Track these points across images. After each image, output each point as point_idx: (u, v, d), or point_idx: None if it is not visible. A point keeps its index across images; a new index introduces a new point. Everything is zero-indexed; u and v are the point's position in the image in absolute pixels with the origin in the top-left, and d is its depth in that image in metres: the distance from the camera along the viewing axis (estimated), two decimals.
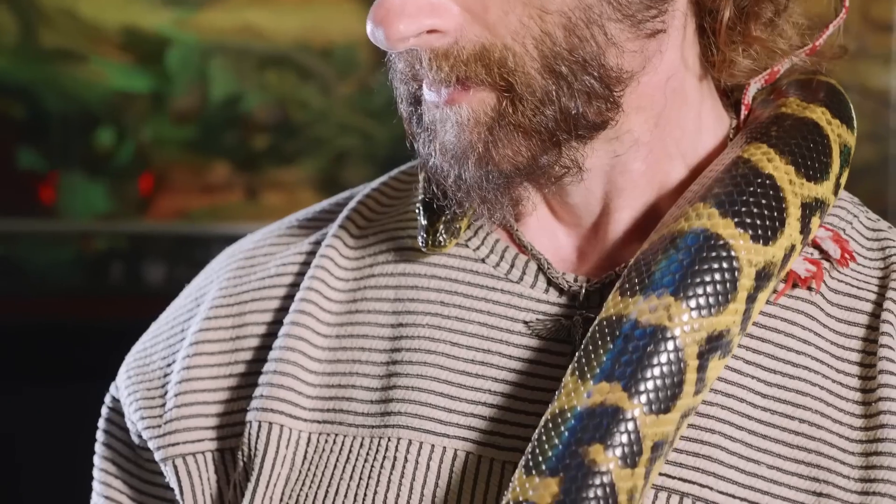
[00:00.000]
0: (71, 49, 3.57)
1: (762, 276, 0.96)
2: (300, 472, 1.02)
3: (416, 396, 1.01)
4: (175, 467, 1.07)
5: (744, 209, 0.95)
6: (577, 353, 0.95)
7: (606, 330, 0.94)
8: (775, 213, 0.96)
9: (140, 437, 1.11)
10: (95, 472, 1.14)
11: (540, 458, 0.91)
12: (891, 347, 0.99)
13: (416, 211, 1.05)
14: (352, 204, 1.12)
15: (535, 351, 1.01)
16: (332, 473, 1.01)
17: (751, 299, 0.96)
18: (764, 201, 0.96)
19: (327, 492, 1.01)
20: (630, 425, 0.91)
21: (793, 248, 0.98)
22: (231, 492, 1.05)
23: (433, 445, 1.00)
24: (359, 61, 3.55)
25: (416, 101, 1.00)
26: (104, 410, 1.15)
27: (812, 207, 0.99)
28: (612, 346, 0.93)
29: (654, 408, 0.92)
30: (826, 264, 1.01)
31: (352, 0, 3.54)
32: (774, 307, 1.00)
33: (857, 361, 0.99)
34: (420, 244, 1.03)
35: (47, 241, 3.58)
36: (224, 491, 1.06)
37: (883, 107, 3.00)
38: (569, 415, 0.92)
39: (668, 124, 1.02)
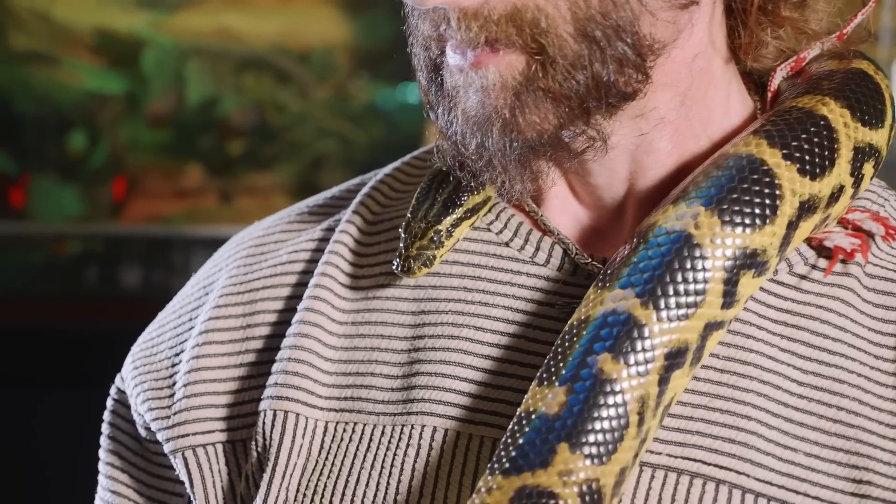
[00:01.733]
0: (43, 51, 3.53)
1: (805, 207, 0.95)
2: (317, 461, 0.99)
3: (440, 383, 0.99)
4: (185, 459, 1.04)
5: (794, 143, 0.95)
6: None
7: (636, 240, 0.94)
8: (826, 152, 0.96)
9: (148, 428, 1.08)
10: (101, 466, 1.11)
11: (553, 370, 0.91)
12: None
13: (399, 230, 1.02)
14: (365, 189, 1.09)
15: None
16: (352, 462, 0.99)
17: (791, 226, 0.95)
18: (816, 139, 0.96)
19: (347, 481, 0.98)
20: (639, 332, 0.90)
21: (841, 189, 0.97)
22: (243, 484, 1.02)
23: (458, 433, 0.97)
24: (337, 65, 3.52)
25: (437, 67, 0.97)
26: (109, 402, 1.12)
27: (865, 153, 0.98)
28: (635, 255, 0.93)
29: (669, 314, 0.91)
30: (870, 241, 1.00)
31: (329, 4, 3.52)
32: (810, 294, 0.99)
33: (894, 347, 0.97)
34: (393, 267, 1.00)
35: (18, 244, 3.53)
36: (235, 483, 1.03)
37: None
38: (586, 325, 0.91)
39: (694, 104, 1.00)
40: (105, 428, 1.11)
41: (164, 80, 3.50)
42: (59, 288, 3.43)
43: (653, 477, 0.94)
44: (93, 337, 3.08)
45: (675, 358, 0.92)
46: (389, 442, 0.98)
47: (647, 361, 0.91)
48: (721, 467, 0.94)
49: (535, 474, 0.88)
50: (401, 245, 1.00)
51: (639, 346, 0.91)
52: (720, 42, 1.01)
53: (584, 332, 0.91)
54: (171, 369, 1.07)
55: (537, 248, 1.01)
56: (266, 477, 1.00)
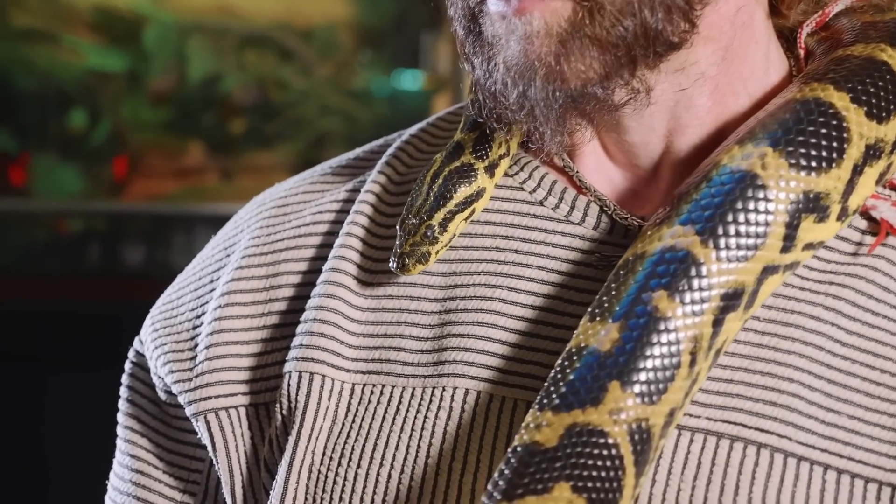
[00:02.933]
0: (43, 28, 3.50)
1: (871, 152, 0.94)
2: (343, 423, 0.98)
3: (472, 344, 0.97)
4: (207, 422, 1.02)
5: (860, 87, 0.94)
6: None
7: (700, 175, 0.92)
8: (891, 95, 0.95)
9: (168, 391, 1.05)
10: (120, 430, 1.09)
11: (606, 305, 0.89)
12: None
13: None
14: (391, 150, 1.07)
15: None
16: (381, 425, 0.97)
17: (856, 171, 0.93)
18: (880, 83, 0.95)
19: (375, 444, 0.96)
20: (697, 270, 0.89)
21: None
22: (266, 447, 1.00)
23: (491, 395, 0.95)
24: (339, 42, 3.50)
25: (475, 16, 0.95)
26: (127, 366, 1.09)
27: None
28: (697, 192, 0.91)
29: (729, 254, 0.89)
30: None
31: None
32: (854, 255, 0.97)
33: None
34: (390, 265, 0.98)
35: (19, 222, 3.50)
36: (259, 447, 1.01)
37: None
38: (642, 260, 0.90)
39: (735, 59, 0.98)
40: (123, 391, 1.09)
41: (166, 57, 3.48)
42: (61, 266, 3.40)
43: (692, 441, 0.92)
44: (95, 315, 3.06)
45: (730, 300, 0.90)
46: (420, 404, 0.96)
47: (702, 301, 0.89)
48: (762, 430, 0.92)
49: (585, 411, 0.86)
50: (396, 242, 0.98)
51: (695, 284, 0.89)
52: None
53: (640, 268, 0.90)
54: (192, 332, 1.05)
55: (572, 207, 0.99)
56: (291, 440, 0.98)
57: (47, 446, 3.07)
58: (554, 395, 0.87)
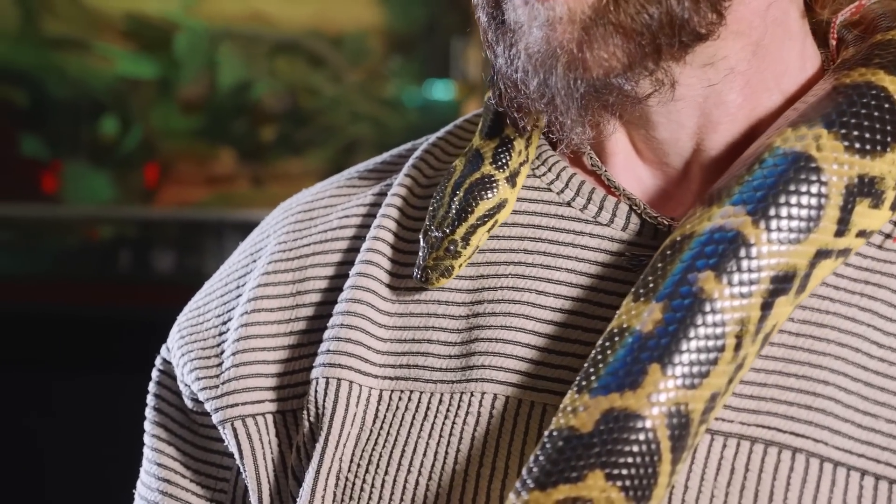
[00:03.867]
0: (74, 36, 3.51)
1: None
2: (371, 430, 0.96)
3: (500, 349, 0.95)
4: (234, 430, 1.01)
5: None
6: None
7: (752, 158, 0.91)
8: None
9: (195, 399, 1.05)
10: (147, 439, 1.08)
11: (651, 285, 0.87)
12: None
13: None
14: (417, 153, 1.06)
15: None
16: (409, 431, 0.95)
17: None
18: None
19: (403, 451, 0.95)
20: (746, 251, 0.87)
21: None
22: (294, 455, 0.99)
23: (520, 400, 0.94)
24: (370, 49, 3.50)
25: (498, 3, 0.94)
26: (154, 374, 1.09)
27: None
28: (749, 174, 0.90)
29: (780, 236, 0.88)
30: None
31: None
32: (891, 253, 0.95)
33: None
34: (414, 276, 0.98)
35: (51, 229, 3.51)
36: (286, 455, 1.00)
37: None
38: (689, 240, 0.88)
39: (767, 56, 0.96)
40: (150, 400, 1.08)
41: (197, 64, 3.48)
42: (92, 272, 3.41)
43: (725, 446, 0.90)
44: (126, 321, 3.06)
45: (781, 283, 0.88)
46: (448, 410, 0.95)
47: (751, 283, 0.87)
48: (797, 435, 0.90)
49: (623, 396, 0.85)
50: (420, 254, 0.97)
51: (745, 265, 0.87)
52: None
53: (687, 248, 0.88)
54: (219, 338, 1.04)
55: (601, 208, 0.98)
56: (319, 447, 0.97)
57: (76, 452, 3.08)
58: (592, 378, 0.86)
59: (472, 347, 0.96)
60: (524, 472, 0.84)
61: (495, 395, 0.94)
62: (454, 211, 0.97)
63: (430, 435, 0.95)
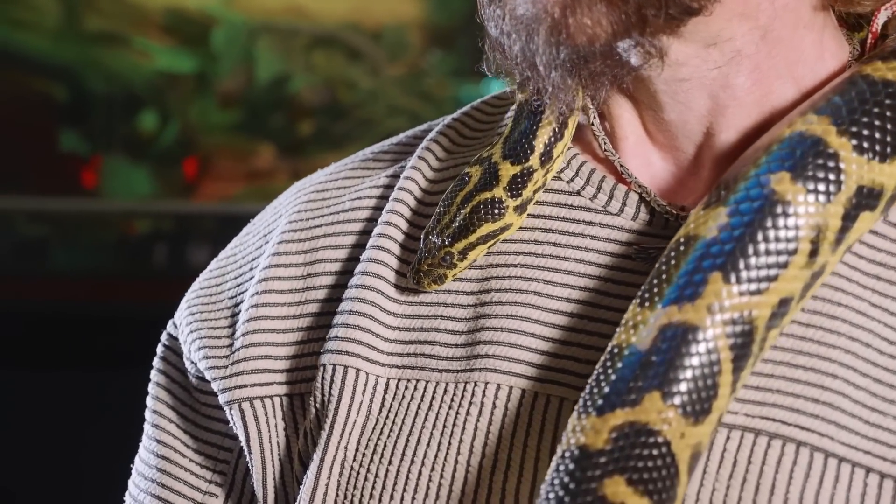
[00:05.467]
0: (114, 31, 3.52)
1: None
2: (377, 419, 0.95)
3: (505, 338, 0.93)
4: (242, 411, 0.99)
5: None
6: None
7: (839, 84, 0.88)
8: None
9: (201, 378, 1.03)
10: (147, 414, 1.07)
11: (724, 192, 0.84)
12: None
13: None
14: (431, 135, 1.04)
15: (637, 288, 0.92)
16: (413, 421, 0.94)
17: None
18: None
19: (408, 441, 0.93)
20: (832, 159, 0.83)
21: None
22: (301, 440, 0.97)
23: (524, 390, 0.92)
24: (409, 43, 3.48)
25: None
26: (159, 349, 1.07)
27: None
28: (837, 96, 0.87)
29: (868, 154, 0.85)
30: None
31: None
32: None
33: None
34: (407, 275, 0.97)
35: (89, 222, 3.51)
36: (291, 439, 0.98)
37: None
38: (766, 151, 0.85)
39: (779, 43, 0.93)
40: (154, 375, 1.07)
41: (234, 58, 3.48)
42: (129, 268, 3.41)
43: (728, 438, 0.88)
44: (162, 317, 3.06)
45: (867, 197, 0.84)
46: (452, 400, 0.93)
47: (833, 191, 0.83)
48: (803, 428, 0.88)
49: (682, 309, 0.82)
50: (417, 255, 0.96)
51: (828, 168, 0.83)
52: None
53: (764, 157, 0.84)
54: (230, 319, 1.02)
55: (611, 197, 0.96)
56: (324, 434, 0.95)
57: (113, 448, 3.07)
58: (655, 289, 0.84)
59: (478, 337, 0.94)
60: (584, 395, 0.83)
61: (499, 385, 0.92)
62: (457, 224, 0.95)
63: (434, 425, 0.93)
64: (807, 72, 0.95)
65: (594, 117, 0.97)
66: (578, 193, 0.97)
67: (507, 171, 0.96)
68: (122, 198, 3.52)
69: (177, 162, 3.53)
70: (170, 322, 1.07)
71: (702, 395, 0.82)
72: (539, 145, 0.96)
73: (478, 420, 0.92)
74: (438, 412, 0.93)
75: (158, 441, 1.05)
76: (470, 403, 0.93)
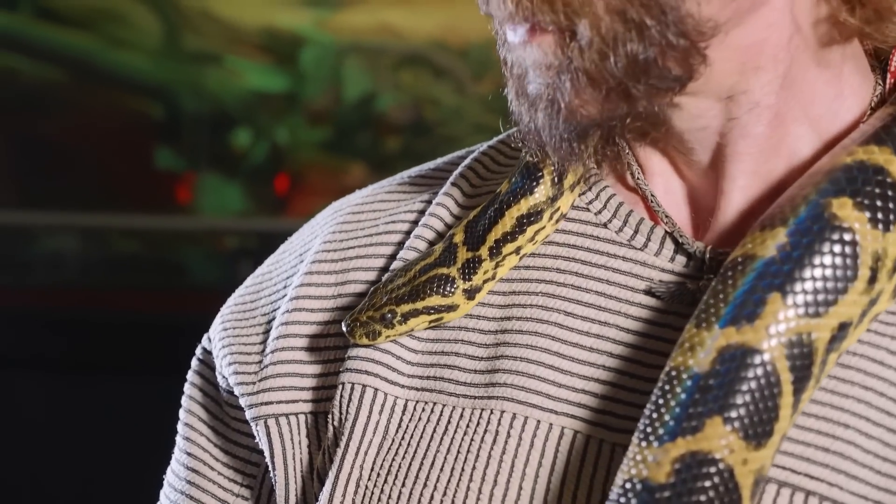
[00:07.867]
0: (209, 50, 3.58)
1: None
2: (393, 440, 0.96)
3: (524, 368, 0.95)
4: (267, 427, 1.02)
5: None
6: None
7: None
8: None
9: (230, 392, 1.05)
10: (180, 427, 1.09)
11: (780, 214, 0.85)
12: None
13: None
14: (466, 161, 1.06)
15: (656, 325, 0.94)
16: (429, 444, 0.95)
17: None
18: None
19: (422, 463, 0.95)
20: (893, 186, 0.83)
21: None
22: (320, 458, 1.00)
23: (539, 421, 0.93)
24: (495, 60, 3.49)
25: (504, 41, 0.96)
26: (194, 363, 1.10)
27: None
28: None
29: None
30: None
31: None
32: None
33: None
34: (343, 321, 0.98)
35: (183, 238, 3.59)
36: (314, 457, 1.00)
37: None
38: (826, 176, 0.86)
39: (794, 85, 0.94)
40: (188, 388, 1.10)
41: (323, 77, 3.53)
42: (218, 282, 3.47)
43: None
44: None
45: None
46: (467, 426, 0.94)
47: (893, 220, 0.84)
48: (812, 477, 0.88)
49: (740, 330, 0.82)
50: (361, 302, 0.98)
51: (890, 198, 0.83)
52: (813, 19, 0.93)
53: (824, 181, 0.85)
54: (262, 335, 1.05)
55: (636, 231, 0.97)
56: (339, 452, 0.97)
57: None
58: (712, 309, 0.84)
59: (498, 364, 0.95)
60: (643, 420, 0.83)
61: (514, 414, 0.94)
62: (408, 288, 0.97)
63: (448, 450, 0.94)
64: (823, 111, 0.95)
65: (627, 150, 0.98)
66: (605, 226, 0.97)
67: (462, 254, 0.98)
68: (216, 213, 3.59)
69: (268, 178, 3.58)
70: (205, 336, 1.10)
71: (763, 417, 0.82)
72: (490, 239, 0.97)
73: (492, 448, 0.93)
74: (454, 437, 0.94)
75: (189, 454, 1.08)
76: (485, 431, 0.94)
